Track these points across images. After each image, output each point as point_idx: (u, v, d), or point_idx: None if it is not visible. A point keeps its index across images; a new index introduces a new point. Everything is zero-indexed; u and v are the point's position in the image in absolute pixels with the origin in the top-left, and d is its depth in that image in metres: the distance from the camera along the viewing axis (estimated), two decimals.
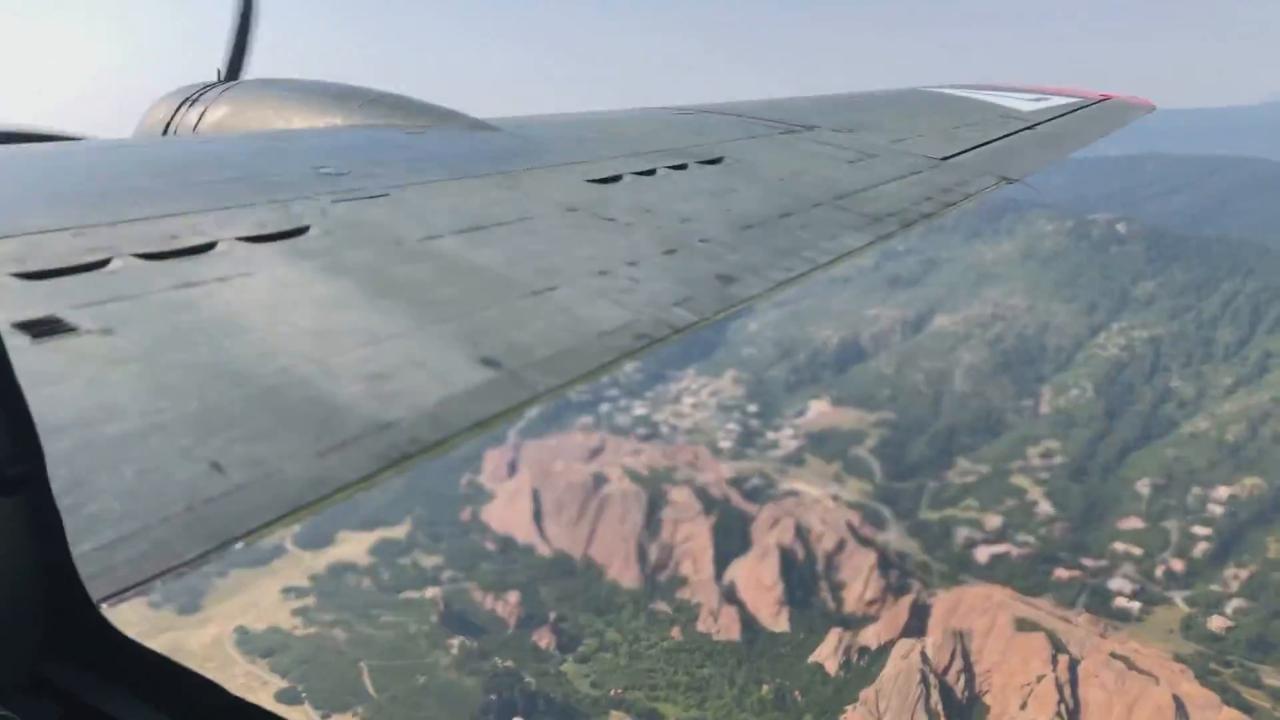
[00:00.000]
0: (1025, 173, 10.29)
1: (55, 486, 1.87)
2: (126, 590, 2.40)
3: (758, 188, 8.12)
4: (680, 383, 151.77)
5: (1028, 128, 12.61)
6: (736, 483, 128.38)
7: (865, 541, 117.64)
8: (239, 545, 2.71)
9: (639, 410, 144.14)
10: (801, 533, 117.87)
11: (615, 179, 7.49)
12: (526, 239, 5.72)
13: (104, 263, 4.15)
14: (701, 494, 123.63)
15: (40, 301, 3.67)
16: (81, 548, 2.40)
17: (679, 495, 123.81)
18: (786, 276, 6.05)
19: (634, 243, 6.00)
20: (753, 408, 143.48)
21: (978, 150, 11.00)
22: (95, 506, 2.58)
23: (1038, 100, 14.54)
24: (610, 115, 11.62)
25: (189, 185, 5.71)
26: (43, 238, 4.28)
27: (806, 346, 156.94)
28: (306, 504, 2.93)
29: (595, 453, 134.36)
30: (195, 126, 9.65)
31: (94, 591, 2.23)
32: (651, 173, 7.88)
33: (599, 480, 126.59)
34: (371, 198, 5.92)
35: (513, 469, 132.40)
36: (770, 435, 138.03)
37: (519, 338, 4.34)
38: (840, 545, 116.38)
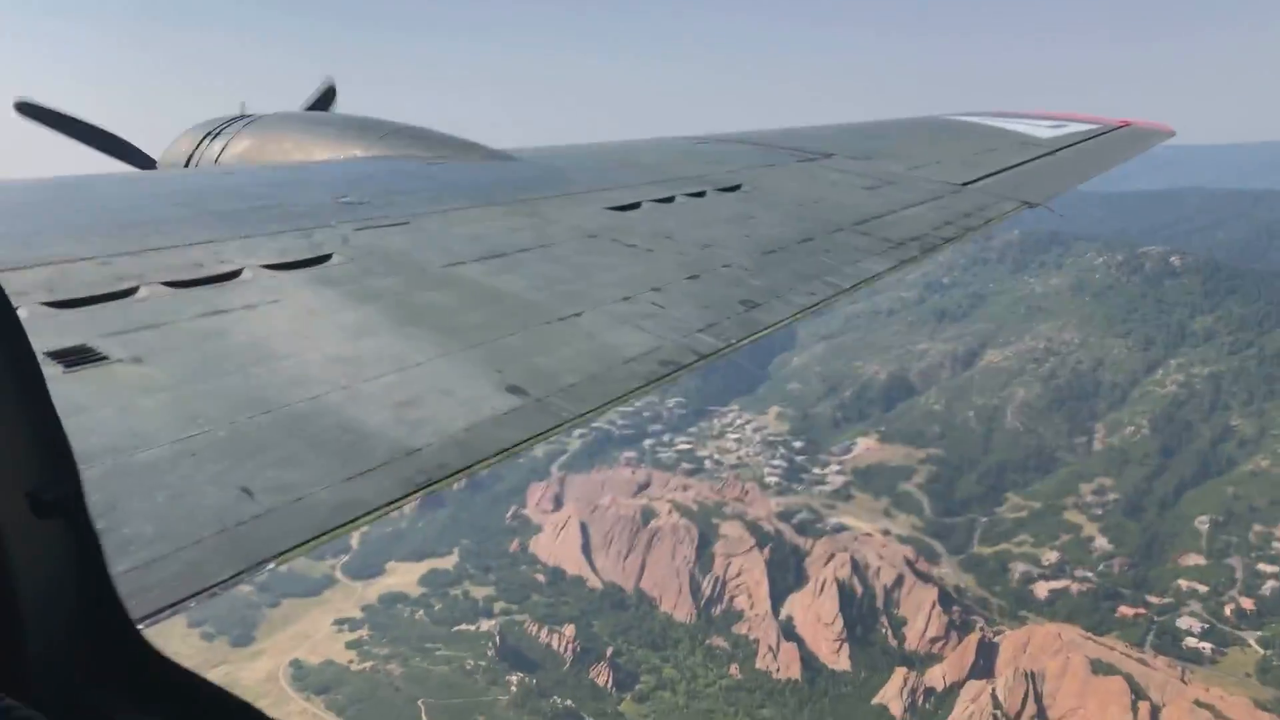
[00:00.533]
0: (1045, 198, 10.27)
1: (90, 511, 1.77)
2: (162, 610, 2.44)
3: (777, 214, 8.16)
4: (724, 418, 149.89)
5: (1047, 154, 12.58)
6: (785, 517, 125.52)
7: (924, 577, 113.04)
8: (269, 567, 2.74)
9: (682, 445, 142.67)
10: (858, 567, 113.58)
11: (635, 206, 7.53)
12: (549, 265, 5.77)
13: (132, 291, 4.21)
14: (753, 528, 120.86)
15: (71, 330, 3.72)
16: (117, 569, 2.33)
17: (730, 529, 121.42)
18: (811, 301, 6.05)
19: (656, 269, 6.04)
20: (798, 443, 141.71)
21: (997, 176, 10.98)
22: (129, 530, 2.64)
23: (1056, 127, 14.52)
24: (627, 144, 11.72)
25: (214, 214, 5.81)
26: (72, 266, 4.35)
27: (853, 382, 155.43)
28: (334, 528, 2.96)
29: (642, 487, 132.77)
30: (218, 158, 9.71)
31: (131, 611, 2.17)
32: (671, 200, 7.92)
33: (648, 514, 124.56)
34: (393, 225, 5.99)
35: (558, 502, 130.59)
36: (816, 471, 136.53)
37: (544, 364, 4.35)
38: (898, 580, 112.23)
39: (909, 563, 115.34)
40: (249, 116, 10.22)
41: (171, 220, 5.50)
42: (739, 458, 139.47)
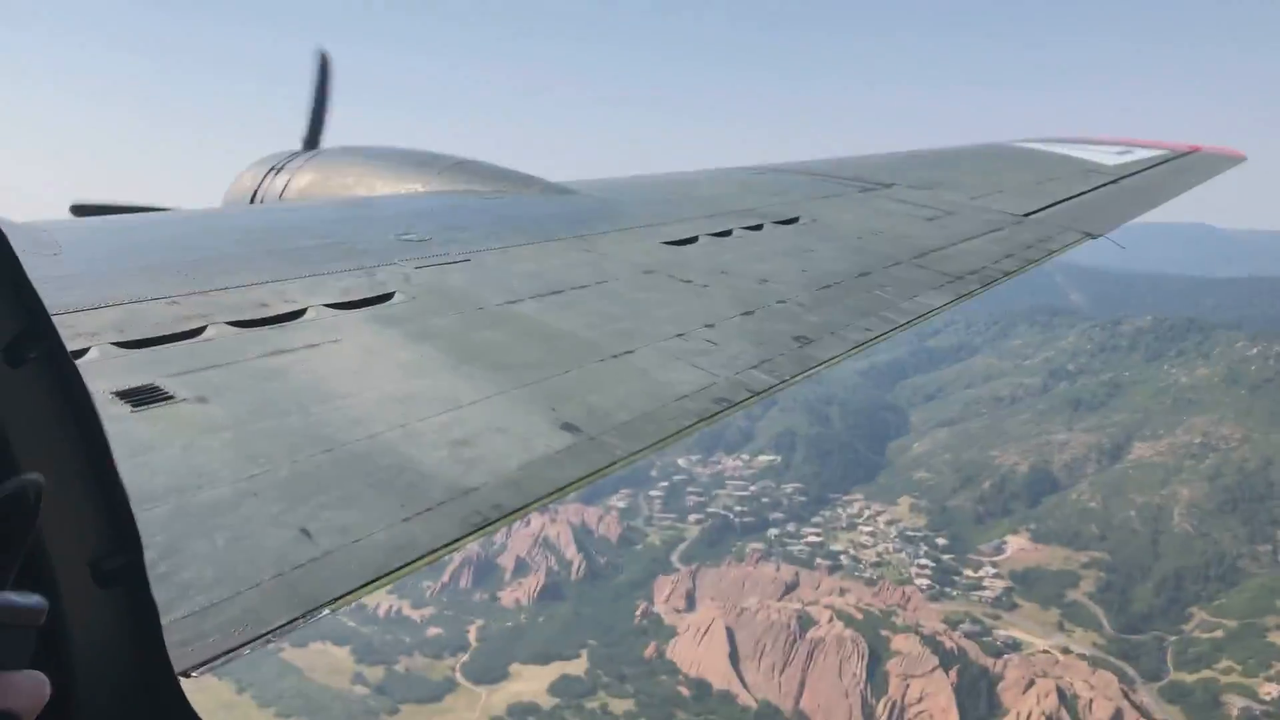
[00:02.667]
0: (1109, 228, 10.14)
1: (151, 554, 1.85)
2: (218, 658, 2.48)
3: (835, 247, 8.15)
4: (849, 507, 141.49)
5: (1112, 182, 12.40)
6: (948, 623, 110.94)
7: (1146, 712, 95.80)
8: (325, 613, 2.78)
9: (811, 537, 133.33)
10: (1065, 697, 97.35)
11: (691, 240, 7.60)
12: (604, 302, 5.84)
13: (199, 330, 4.34)
14: (932, 644, 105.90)
15: (139, 370, 3.83)
16: (173, 615, 2.49)
17: (904, 644, 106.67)
18: (866, 337, 6.05)
19: (711, 304, 6.08)
20: (941, 540, 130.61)
21: (1060, 205, 10.84)
22: (188, 573, 2.70)
23: (1123, 153, 14.29)
24: (685, 176, 11.79)
25: (278, 253, 5.96)
26: (140, 307, 4.48)
27: (990, 473, 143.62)
28: (393, 570, 3.00)
29: (789, 588, 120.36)
30: (281, 193, 9.98)
31: (188, 658, 2.30)
32: (727, 233, 7.98)
33: (805, 621, 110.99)
34: (453, 263, 6.10)
35: (690, 600, 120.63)
36: (969, 574, 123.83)
37: (598, 402, 4.41)
38: (1117, 716, 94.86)
39: (1126, 695, 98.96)
40: (310, 152, 10.63)
41: (238, 259, 5.67)
42: (878, 554, 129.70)
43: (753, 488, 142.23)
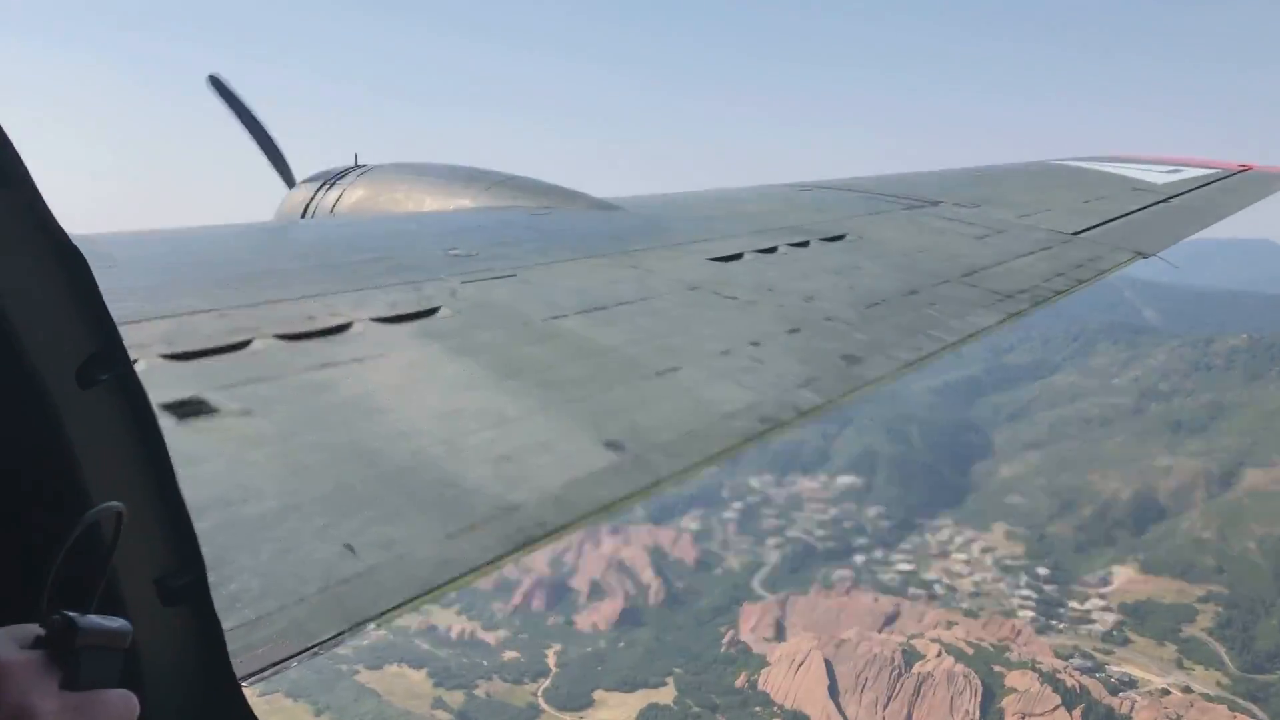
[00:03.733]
0: (1161, 247, 10.06)
1: None
2: (266, 669, 2.52)
3: (882, 265, 8.13)
4: (937, 533, 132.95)
5: (1162, 201, 12.31)
6: (1061, 657, 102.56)
7: None
8: (371, 627, 2.80)
9: (902, 565, 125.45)
10: None
11: (737, 257, 7.58)
12: (649, 318, 5.84)
13: (246, 344, 4.36)
14: (1052, 681, 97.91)
15: (186, 382, 3.85)
16: (223, 626, 2.47)
17: (1020, 680, 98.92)
18: (915, 356, 6.03)
19: (756, 322, 6.06)
20: (1042, 570, 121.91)
21: (1110, 225, 10.78)
22: (235, 585, 2.72)
23: (1172, 172, 14.16)
24: (731, 193, 11.81)
25: (326, 267, 6.04)
26: (190, 319, 4.52)
27: (1089, 499, 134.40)
28: (436, 586, 3.01)
29: (889, 619, 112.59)
30: (333, 208, 10.28)
31: (236, 670, 2.28)
32: (773, 250, 7.97)
33: (910, 655, 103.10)
34: (499, 278, 6.13)
35: (780, 629, 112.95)
36: (1075, 605, 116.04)
37: (642, 419, 4.40)
38: None
39: None
40: (362, 167, 10.80)
41: (287, 273, 5.74)
42: (975, 584, 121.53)
43: (833, 511, 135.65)
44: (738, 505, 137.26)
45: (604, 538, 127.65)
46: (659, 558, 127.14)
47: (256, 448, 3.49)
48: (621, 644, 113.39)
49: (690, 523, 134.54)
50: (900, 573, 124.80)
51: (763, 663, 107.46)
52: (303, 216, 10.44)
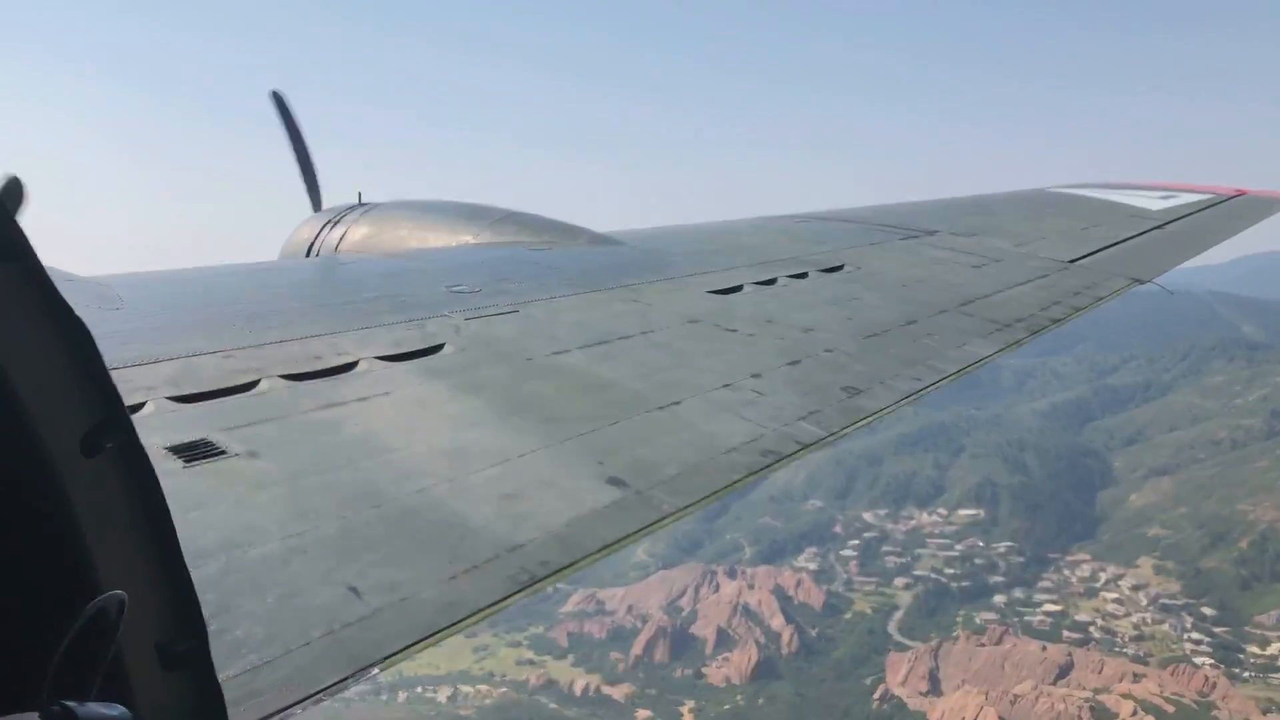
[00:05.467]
0: (1156, 273, 10.05)
1: (203, 611, 1.91)
2: (270, 716, 2.51)
3: (880, 295, 8.16)
4: (1076, 569, 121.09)
5: (1157, 227, 12.33)
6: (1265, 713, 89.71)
7: None
8: (375, 672, 2.79)
9: (1049, 606, 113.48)
10: None
11: (736, 289, 7.64)
12: (650, 353, 5.87)
13: (252, 384, 4.40)
14: None
15: (193, 424, 3.89)
16: (227, 672, 2.51)
17: None
18: (915, 387, 6.03)
19: (757, 354, 6.09)
20: (1207, 609, 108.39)
21: (1106, 251, 10.79)
22: (240, 631, 2.73)
23: (1167, 198, 14.19)
24: (730, 225, 11.89)
25: (331, 306, 6.12)
26: (197, 360, 4.57)
27: (1243, 529, 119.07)
28: (440, 629, 3.00)
29: (1064, 671, 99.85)
30: (337, 246, 10.35)
31: (241, 717, 2.34)
32: (772, 282, 8.02)
33: (1100, 714, 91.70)
34: (502, 314, 6.19)
35: (934, 682, 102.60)
36: (1255, 650, 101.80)
37: (645, 455, 4.41)
38: None
39: None
40: (366, 205, 10.95)
41: (292, 312, 5.79)
42: (1135, 626, 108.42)
43: (959, 547, 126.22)
44: (854, 543, 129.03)
45: (722, 579, 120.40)
46: (783, 601, 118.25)
47: (262, 490, 3.51)
48: (761, 700, 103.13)
49: (806, 562, 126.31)
50: (1048, 614, 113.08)
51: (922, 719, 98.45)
52: (308, 254, 10.57)
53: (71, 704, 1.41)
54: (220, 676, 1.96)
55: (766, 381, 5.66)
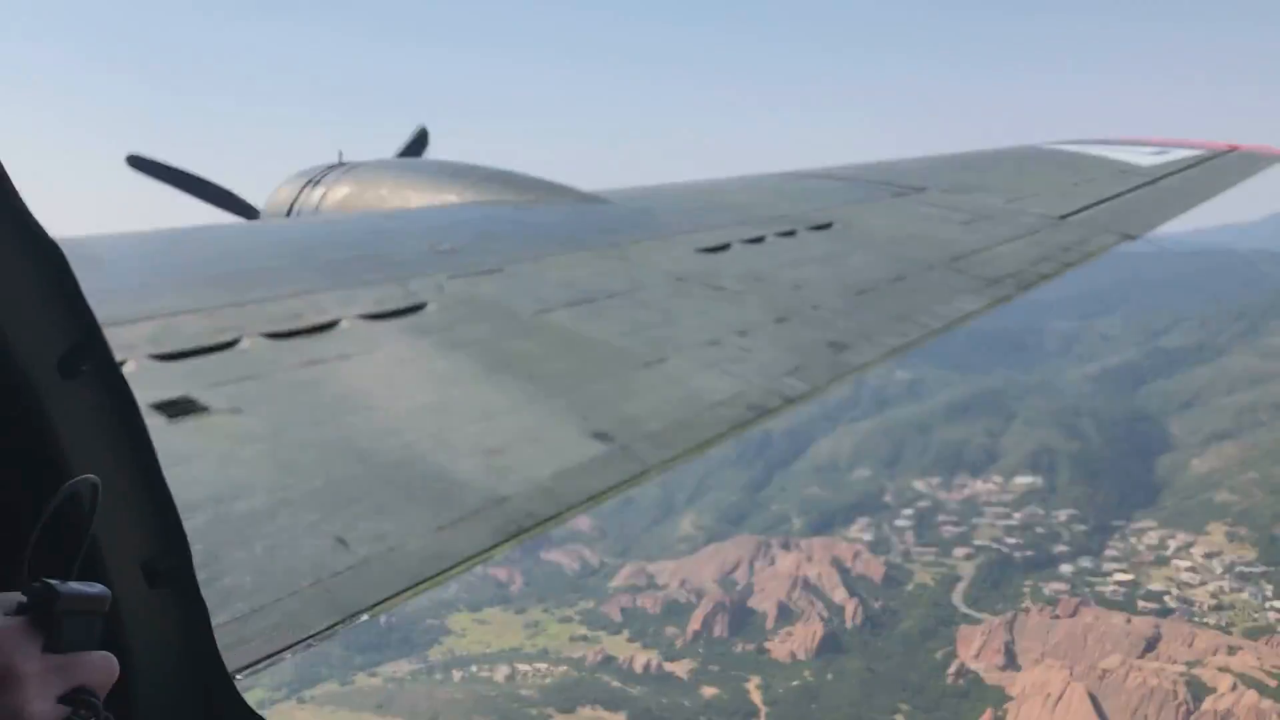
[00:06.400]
0: (1146, 229, 10.08)
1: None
2: (260, 661, 2.56)
3: (869, 252, 8.16)
4: (1142, 537, 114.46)
5: (1149, 183, 12.28)
6: None
7: None
8: (364, 618, 2.85)
9: (1119, 575, 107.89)
10: None
11: (724, 248, 7.61)
12: (636, 310, 5.89)
13: (233, 343, 4.41)
14: None
15: (175, 382, 3.90)
16: (216, 620, 2.42)
17: None
18: (901, 342, 6.05)
19: (744, 312, 6.11)
20: None
21: (1097, 207, 10.76)
22: (229, 581, 2.78)
23: (1159, 153, 14.11)
24: (718, 183, 11.78)
25: (312, 265, 6.08)
26: (177, 319, 4.57)
27: None
28: (427, 578, 3.06)
29: (1151, 644, 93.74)
30: (318, 206, 10.18)
31: (231, 662, 2.31)
32: (760, 240, 7.99)
33: (1196, 688, 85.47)
34: (486, 273, 6.16)
35: (1010, 656, 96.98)
36: None
37: (630, 410, 4.45)
38: None
39: None
40: (346, 164, 10.77)
41: (273, 271, 5.80)
42: (1212, 595, 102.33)
43: (1017, 515, 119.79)
44: (908, 512, 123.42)
45: (777, 552, 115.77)
46: (842, 574, 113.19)
47: (247, 445, 3.55)
48: (830, 676, 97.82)
49: (860, 532, 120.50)
50: (1120, 584, 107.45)
51: (1003, 696, 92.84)
52: (288, 214, 10.46)
53: (53, 581, 1.46)
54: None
55: (753, 338, 5.69)
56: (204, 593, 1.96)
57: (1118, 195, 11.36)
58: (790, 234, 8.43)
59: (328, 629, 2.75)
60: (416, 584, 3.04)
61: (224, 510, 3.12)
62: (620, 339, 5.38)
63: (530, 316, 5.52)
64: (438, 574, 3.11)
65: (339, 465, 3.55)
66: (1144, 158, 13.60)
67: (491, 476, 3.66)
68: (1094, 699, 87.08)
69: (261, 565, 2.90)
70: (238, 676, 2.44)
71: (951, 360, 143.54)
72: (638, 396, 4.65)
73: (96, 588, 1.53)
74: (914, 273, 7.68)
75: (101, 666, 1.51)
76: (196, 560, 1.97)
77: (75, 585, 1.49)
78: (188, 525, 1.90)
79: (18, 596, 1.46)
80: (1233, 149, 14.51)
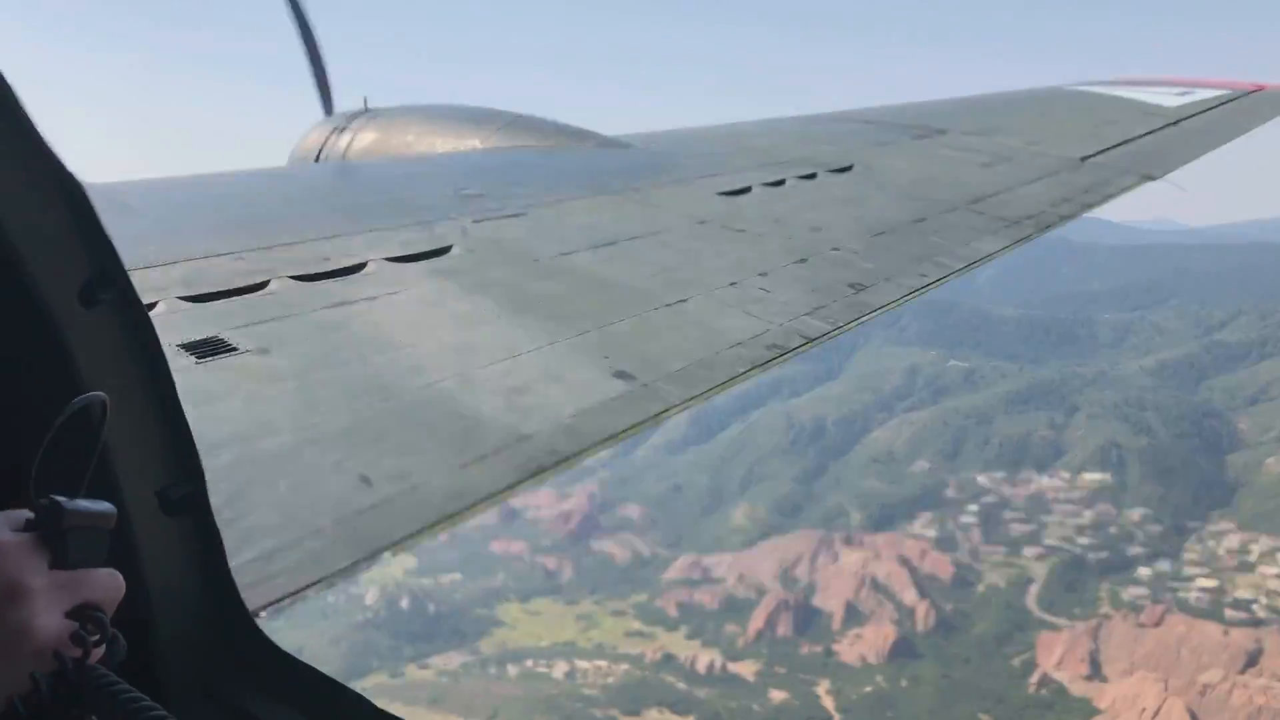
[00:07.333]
0: (1168, 170, 9.91)
1: (216, 500, 1.95)
2: (284, 599, 2.58)
3: (889, 194, 8.12)
4: (1221, 539, 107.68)
5: (1172, 124, 12.12)
6: None
7: None
8: (387, 556, 2.87)
9: (1202, 580, 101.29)
10: None
11: (745, 191, 7.59)
12: (658, 252, 5.92)
13: (262, 285, 4.44)
14: None
15: (204, 323, 3.93)
16: (241, 558, 2.57)
17: None
18: (921, 283, 6.06)
19: (765, 253, 6.11)
20: None
21: (1119, 149, 10.63)
22: (254, 519, 2.80)
23: (1183, 94, 13.87)
24: (739, 127, 11.75)
25: (340, 209, 6.15)
26: (207, 262, 4.61)
27: None
28: (450, 515, 3.08)
29: (1252, 658, 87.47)
30: (345, 152, 10.29)
31: (254, 599, 2.36)
32: (781, 183, 7.97)
33: None
34: (510, 217, 6.18)
35: (1095, 665, 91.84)
36: None
37: (651, 350, 4.47)
38: None
39: None
40: (372, 111, 10.82)
41: (302, 215, 5.84)
42: None
43: (1088, 514, 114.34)
44: (972, 508, 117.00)
45: (840, 548, 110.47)
46: (912, 573, 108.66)
47: (274, 384, 3.57)
48: (904, 682, 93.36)
49: (923, 528, 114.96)
50: (1205, 590, 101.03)
51: (1090, 709, 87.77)
52: (315, 160, 10.53)
53: (59, 498, 1.48)
54: (234, 561, 2.04)
55: (773, 279, 5.69)
56: (229, 530, 2.00)
57: (1140, 136, 11.21)
58: (811, 176, 8.41)
59: (350, 566, 2.78)
60: (438, 521, 3.07)
61: (250, 449, 3.15)
62: (642, 280, 5.39)
63: (553, 259, 5.54)
64: (459, 511, 3.13)
65: (364, 404, 3.57)
66: (1168, 98, 13.40)
67: (514, 415, 3.68)
68: (1193, 716, 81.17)
69: (286, 503, 2.93)
70: (263, 613, 2.48)
71: (1005, 350, 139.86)
72: (659, 336, 4.67)
73: (103, 505, 1.54)
74: (934, 214, 7.64)
75: (108, 583, 1.53)
76: (222, 498, 2.08)
77: (82, 502, 1.50)
78: (214, 463, 2.04)
79: (25, 513, 1.48)
80: (1259, 89, 14.24)
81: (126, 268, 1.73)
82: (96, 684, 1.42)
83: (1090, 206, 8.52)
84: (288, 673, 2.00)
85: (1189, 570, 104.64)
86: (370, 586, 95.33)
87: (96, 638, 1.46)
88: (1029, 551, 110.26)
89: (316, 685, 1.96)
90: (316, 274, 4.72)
